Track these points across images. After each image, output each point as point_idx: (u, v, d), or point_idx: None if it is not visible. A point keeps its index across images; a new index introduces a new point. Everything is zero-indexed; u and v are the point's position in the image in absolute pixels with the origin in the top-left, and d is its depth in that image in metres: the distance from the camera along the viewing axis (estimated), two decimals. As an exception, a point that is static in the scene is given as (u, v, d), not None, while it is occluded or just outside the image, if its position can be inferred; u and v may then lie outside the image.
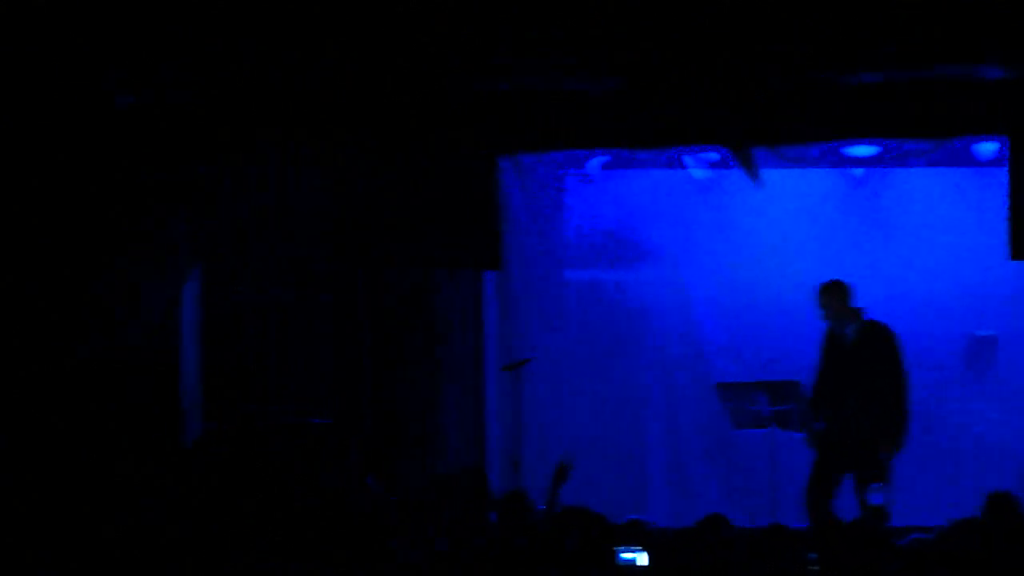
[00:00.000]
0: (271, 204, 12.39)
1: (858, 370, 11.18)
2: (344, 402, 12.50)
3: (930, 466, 12.73)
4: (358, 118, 11.94)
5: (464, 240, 12.40)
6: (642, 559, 6.94)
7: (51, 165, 11.28)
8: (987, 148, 12.53)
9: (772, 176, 12.89)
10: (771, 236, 13.02)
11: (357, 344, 12.66)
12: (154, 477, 10.18)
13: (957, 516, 8.13)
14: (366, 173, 12.34)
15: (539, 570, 6.66)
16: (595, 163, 13.15)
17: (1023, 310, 12.82)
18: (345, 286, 12.61)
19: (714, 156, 12.77)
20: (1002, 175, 12.08)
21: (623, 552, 6.87)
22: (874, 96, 11.54)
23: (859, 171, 13.00)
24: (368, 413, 12.59)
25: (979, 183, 12.74)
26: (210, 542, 7.63)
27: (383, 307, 12.70)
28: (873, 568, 6.66)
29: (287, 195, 12.43)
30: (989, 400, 12.83)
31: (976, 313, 12.85)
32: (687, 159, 13.01)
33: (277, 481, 10.05)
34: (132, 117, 11.47)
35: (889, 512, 10.93)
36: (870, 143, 12.38)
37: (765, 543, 7.51)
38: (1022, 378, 12.77)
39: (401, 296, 12.76)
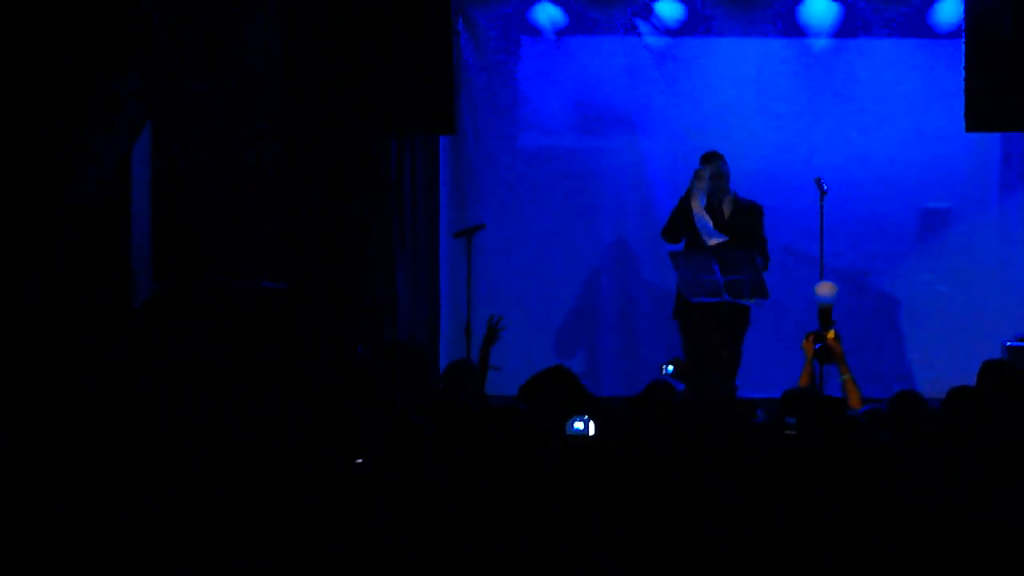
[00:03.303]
0: (224, 63, 12.25)
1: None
2: (297, 268, 12.46)
3: (880, 339, 12.80)
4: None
5: (418, 103, 12.35)
6: (590, 428, 6.87)
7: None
8: (946, 19, 12.52)
9: (731, 46, 12.84)
10: (728, 105, 12.96)
11: (311, 208, 12.60)
12: (103, 335, 10.07)
13: (904, 388, 8.19)
14: (320, 29, 12.26)
15: (487, 435, 6.60)
16: (550, 29, 13.07)
17: (977, 182, 12.84)
18: (300, 148, 12.53)
19: (669, 21, 12.78)
20: (959, 47, 12.09)
21: (573, 421, 6.80)
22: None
23: (818, 42, 12.92)
24: (321, 279, 12.56)
25: (936, 55, 12.70)
26: (159, 396, 7.57)
27: (338, 171, 12.64)
28: (838, 430, 6.65)
29: (240, 53, 12.29)
30: (940, 273, 12.87)
31: (930, 185, 12.85)
32: (641, 25, 12.93)
33: (227, 343, 9.99)
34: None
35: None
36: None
37: (717, 408, 7.53)
38: (973, 251, 12.80)
39: (357, 160, 12.70)
